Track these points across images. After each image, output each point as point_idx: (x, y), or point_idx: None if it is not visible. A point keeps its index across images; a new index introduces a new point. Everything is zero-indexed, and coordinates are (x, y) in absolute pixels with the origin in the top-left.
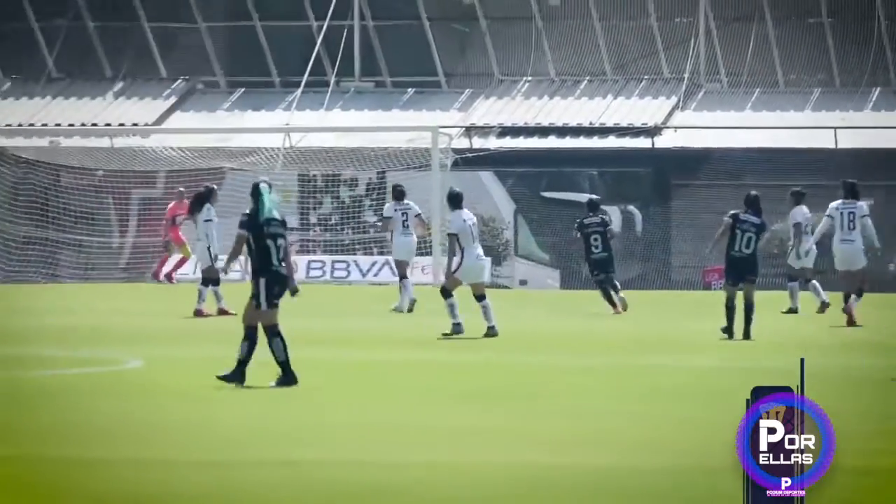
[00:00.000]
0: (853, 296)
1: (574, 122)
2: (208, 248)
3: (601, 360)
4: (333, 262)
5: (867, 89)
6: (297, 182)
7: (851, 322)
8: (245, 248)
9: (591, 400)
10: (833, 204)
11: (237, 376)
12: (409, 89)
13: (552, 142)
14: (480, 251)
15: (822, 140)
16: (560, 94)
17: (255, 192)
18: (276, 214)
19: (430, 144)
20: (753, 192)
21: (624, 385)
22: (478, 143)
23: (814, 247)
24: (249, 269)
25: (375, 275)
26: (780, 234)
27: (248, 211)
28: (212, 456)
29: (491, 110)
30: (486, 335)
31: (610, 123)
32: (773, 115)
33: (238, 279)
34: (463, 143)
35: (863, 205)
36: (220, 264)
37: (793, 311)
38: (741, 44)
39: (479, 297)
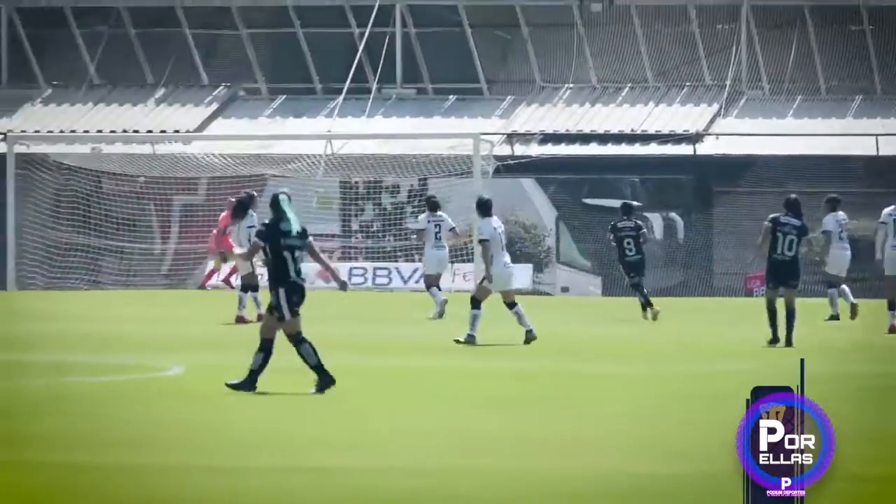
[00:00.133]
0: None
1: (616, 129)
2: None
3: (630, 368)
4: (375, 269)
5: None
6: (339, 189)
7: (893, 329)
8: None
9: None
10: (886, 210)
11: (248, 385)
12: (451, 96)
13: (594, 149)
14: (508, 259)
15: (864, 147)
16: (602, 101)
17: (275, 204)
18: (295, 226)
19: (472, 151)
20: (793, 195)
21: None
22: (519, 150)
23: (847, 253)
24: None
25: (417, 282)
26: (819, 241)
27: (266, 221)
28: (245, 462)
29: (532, 117)
30: (526, 340)
31: (652, 130)
32: (814, 122)
33: None
34: (504, 150)
35: None
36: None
37: (834, 318)
38: (783, 51)
39: (511, 305)
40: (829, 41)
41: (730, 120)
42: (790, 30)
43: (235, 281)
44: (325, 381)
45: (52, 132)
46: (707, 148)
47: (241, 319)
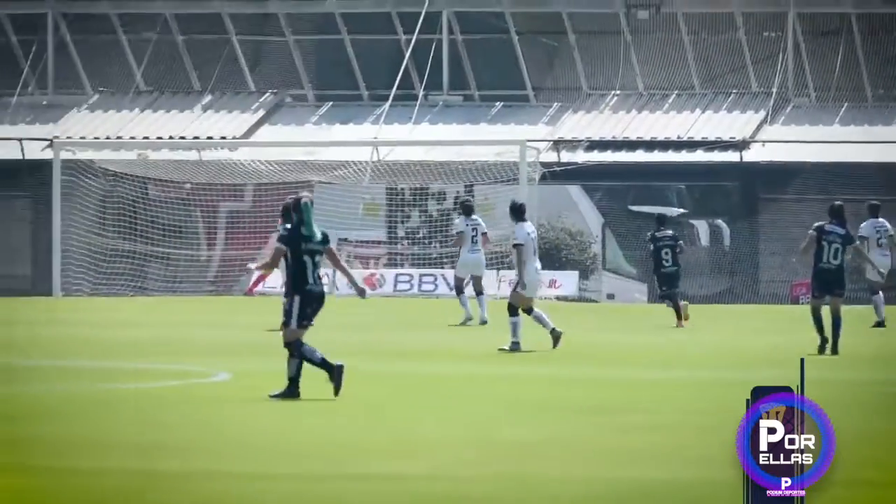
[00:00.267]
0: None
1: (662, 136)
2: None
3: (671, 373)
4: (421, 275)
5: None
6: (385, 195)
7: None
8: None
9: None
10: None
11: (291, 393)
12: (498, 103)
13: (640, 156)
14: (539, 265)
15: None
16: (648, 108)
17: (297, 208)
18: (317, 231)
19: (518, 158)
20: (838, 203)
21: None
22: (566, 156)
23: (886, 259)
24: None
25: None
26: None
27: (288, 225)
28: (292, 469)
29: (579, 124)
30: (554, 339)
31: (698, 137)
32: (860, 129)
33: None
34: (551, 156)
35: None
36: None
37: (880, 324)
38: (829, 58)
39: (529, 311)
40: (875, 49)
41: (776, 127)
42: (836, 37)
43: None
44: (335, 372)
45: (98, 138)
46: (753, 155)
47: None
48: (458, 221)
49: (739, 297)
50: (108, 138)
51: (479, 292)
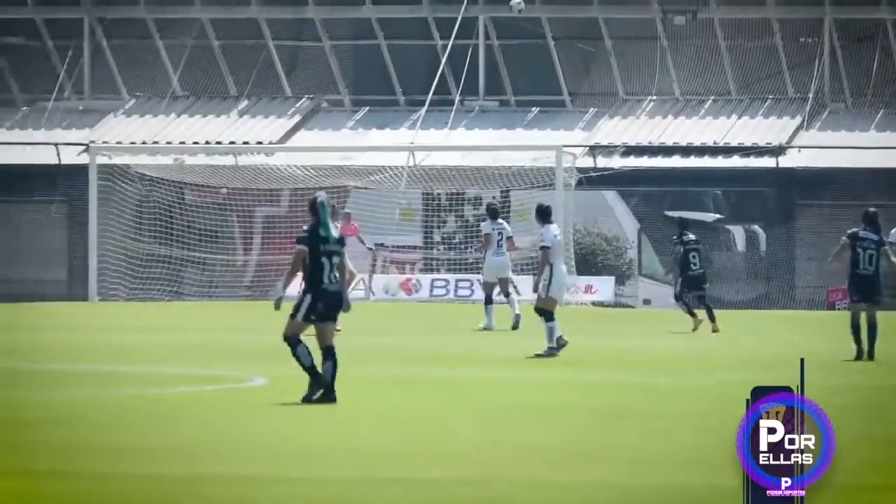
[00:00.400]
0: None
1: (698, 142)
2: None
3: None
4: (457, 280)
5: None
6: (422, 200)
7: None
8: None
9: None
10: None
11: (327, 398)
12: (534, 108)
13: (676, 161)
14: (565, 268)
15: None
16: (685, 114)
17: (315, 208)
18: (334, 233)
19: (555, 163)
20: (872, 209)
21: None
22: (602, 162)
23: None
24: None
25: (499, 293)
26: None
27: (306, 227)
28: (329, 474)
29: (615, 129)
30: (559, 346)
31: (734, 143)
32: None
33: (363, 297)
34: (587, 162)
35: None
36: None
37: None
38: (865, 64)
39: (533, 313)
40: None
41: (812, 133)
42: (872, 43)
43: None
44: (319, 383)
45: (134, 143)
46: (789, 160)
47: None
48: (485, 225)
49: (775, 303)
50: (144, 143)
51: (506, 294)
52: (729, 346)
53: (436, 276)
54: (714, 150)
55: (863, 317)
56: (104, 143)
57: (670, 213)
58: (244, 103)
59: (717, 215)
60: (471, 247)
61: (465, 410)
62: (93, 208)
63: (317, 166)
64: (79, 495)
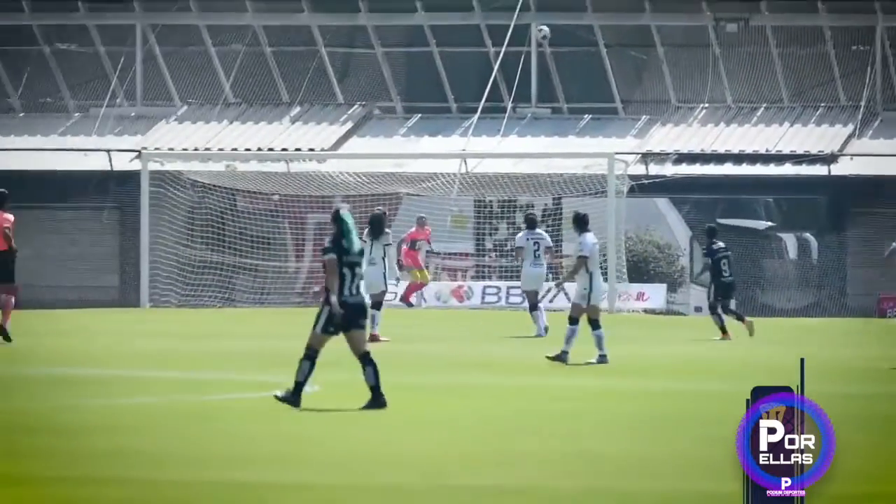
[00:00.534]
0: None
1: (750, 150)
2: (383, 273)
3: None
4: (509, 287)
5: None
6: (474, 208)
7: None
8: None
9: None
10: None
11: (376, 403)
12: (586, 116)
13: (728, 168)
14: (600, 276)
15: None
16: (737, 122)
17: (337, 219)
18: (356, 243)
19: (607, 171)
20: None
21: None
22: (654, 169)
23: None
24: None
25: (550, 301)
26: None
27: (330, 238)
28: (385, 480)
29: (667, 137)
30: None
31: (786, 151)
32: None
33: (415, 304)
34: (639, 169)
35: None
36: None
37: None
38: None
39: (573, 321)
40: None
41: (864, 140)
42: None
43: (414, 300)
44: (295, 399)
45: (186, 150)
46: (841, 168)
47: (374, 338)
48: (520, 236)
49: (826, 311)
50: (196, 150)
51: (533, 306)
52: (782, 353)
53: (487, 283)
54: (766, 158)
55: None
56: (156, 149)
57: (722, 221)
58: (296, 110)
59: (769, 223)
60: (507, 258)
61: (519, 418)
62: (145, 215)
63: (369, 173)
64: (134, 502)
